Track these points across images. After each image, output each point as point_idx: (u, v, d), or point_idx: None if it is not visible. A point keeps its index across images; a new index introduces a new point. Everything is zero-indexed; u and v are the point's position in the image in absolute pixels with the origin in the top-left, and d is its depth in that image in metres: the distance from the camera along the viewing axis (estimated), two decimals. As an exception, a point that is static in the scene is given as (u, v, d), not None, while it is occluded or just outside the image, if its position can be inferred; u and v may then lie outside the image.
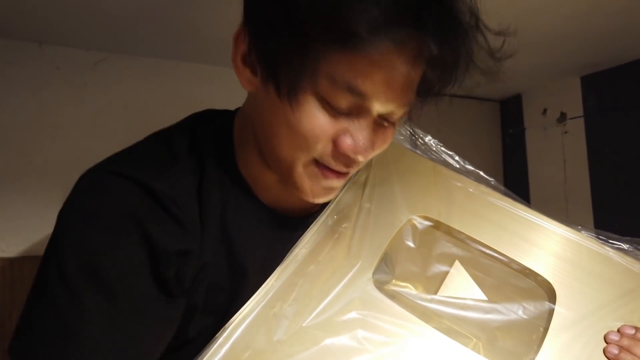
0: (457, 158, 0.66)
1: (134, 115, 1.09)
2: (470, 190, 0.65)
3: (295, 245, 0.58)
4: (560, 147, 1.36)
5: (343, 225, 0.61)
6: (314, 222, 0.61)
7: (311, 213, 0.63)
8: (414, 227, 0.63)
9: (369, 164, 0.67)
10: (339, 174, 0.53)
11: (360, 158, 0.50)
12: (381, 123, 0.52)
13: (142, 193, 0.49)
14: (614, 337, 0.53)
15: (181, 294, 0.52)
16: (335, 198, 0.63)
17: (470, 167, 0.65)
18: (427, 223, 0.64)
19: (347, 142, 0.49)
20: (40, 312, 0.46)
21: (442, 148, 0.67)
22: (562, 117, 1.36)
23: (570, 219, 1.31)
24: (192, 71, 1.15)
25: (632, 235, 1.12)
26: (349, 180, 0.65)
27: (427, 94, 0.52)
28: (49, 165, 1.00)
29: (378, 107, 0.48)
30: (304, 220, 0.62)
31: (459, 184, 0.66)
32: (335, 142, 0.49)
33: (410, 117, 0.57)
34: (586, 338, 0.54)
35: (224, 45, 1.02)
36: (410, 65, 0.46)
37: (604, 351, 0.53)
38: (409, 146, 0.68)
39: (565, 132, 1.35)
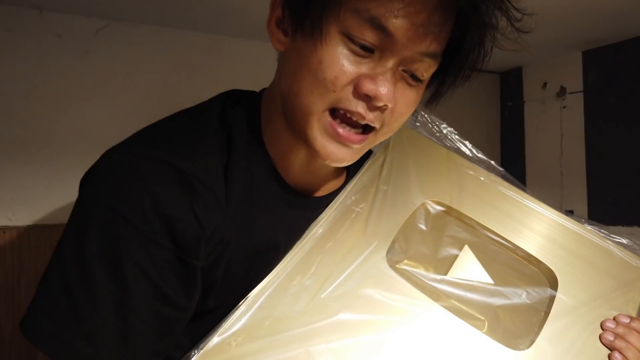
0: (470, 147, 0.68)
1: (137, 84, 1.08)
2: (482, 178, 0.68)
3: (314, 223, 0.61)
4: (558, 121, 1.38)
5: (360, 206, 0.63)
6: (333, 202, 0.63)
7: (331, 192, 0.65)
8: (427, 211, 0.66)
9: (386, 147, 0.68)
10: (353, 129, 0.52)
11: (379, 103, 0.50)
12: (407, 79, 0.52)
13: (171, 177, 0.48)
14: (610, 324, 0.57)
15: (201, 279, 0.52)
16: (353, 179, 0.66)
17: (482, 156, 0.67)
18: (440, 208, 0.66)
19: (368, 85, 0.49)
20: (53, 291, 0.46)
21: (456, 136, 0.69)
22: (562, 92, 1.37)
23: (565, 192, 1.36)
24: (195, 40, 1.13)
25: (622, 208, 1.17)
26: (365, 160, 0.66)
27: (458, 57, 0.53)
28: (53, 134, 1.00)
29: (400, 47, 0.48)
30: (324, 199, 0.63)
31: (470, 172, 0.68)
32: (356, 85, 0.50)
33: (440, 91, 0.59)
34: (584, 324, 0.58)
35: (229, 14, 1.01)
36: (435, 7, 0.47)
37: (600, 337, 0.57)
38: (425, 133, 0.70)
39: (564, 107, 1.36)
